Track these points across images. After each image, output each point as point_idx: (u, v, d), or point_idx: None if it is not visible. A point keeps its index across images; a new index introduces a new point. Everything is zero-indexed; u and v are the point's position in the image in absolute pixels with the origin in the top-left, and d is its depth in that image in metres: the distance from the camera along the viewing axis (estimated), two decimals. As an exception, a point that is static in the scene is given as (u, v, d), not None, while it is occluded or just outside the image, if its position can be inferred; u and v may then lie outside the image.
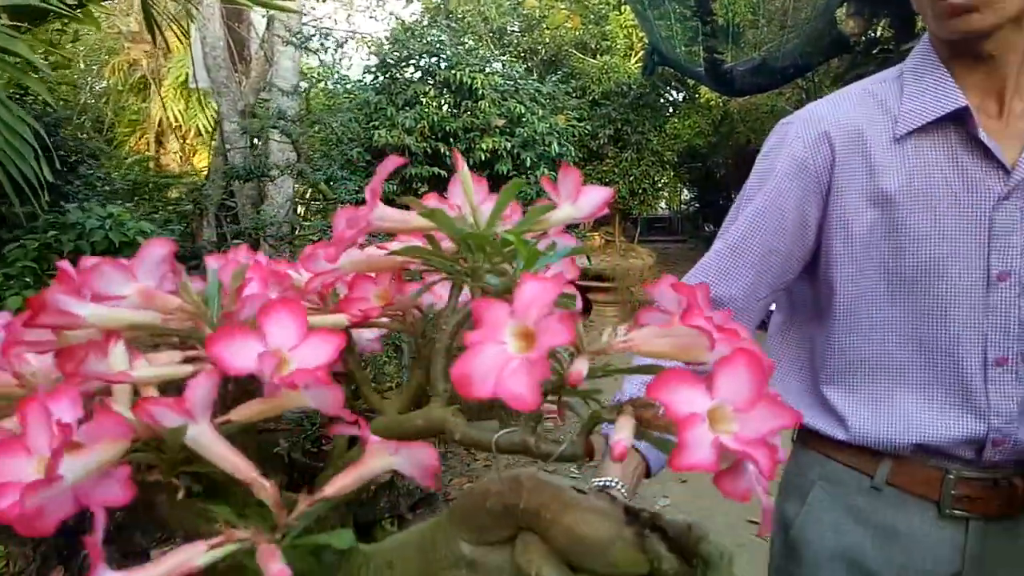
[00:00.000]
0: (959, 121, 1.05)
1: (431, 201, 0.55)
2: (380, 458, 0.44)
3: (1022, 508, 1.08)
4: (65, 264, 0.48)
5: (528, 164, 7.22)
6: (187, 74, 10.14)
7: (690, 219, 15.77)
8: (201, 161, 10.37)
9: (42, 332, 0.46)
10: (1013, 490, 1.06)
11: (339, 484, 0.43)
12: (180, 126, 10.46)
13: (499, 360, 0.35)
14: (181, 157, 10.50)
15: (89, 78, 10.39)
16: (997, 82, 1.05)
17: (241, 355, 0.39)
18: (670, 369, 0.37)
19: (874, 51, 7.48)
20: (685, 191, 16.45)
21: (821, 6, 6.61)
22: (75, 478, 0.36)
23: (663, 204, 16.53)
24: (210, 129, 10.49)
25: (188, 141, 10.61)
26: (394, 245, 0.55)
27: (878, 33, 7.65)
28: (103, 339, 0.45)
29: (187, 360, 0.49)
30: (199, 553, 0.37)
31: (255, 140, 4.11)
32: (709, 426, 0.36)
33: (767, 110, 10.07)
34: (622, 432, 0.40)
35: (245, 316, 0.53)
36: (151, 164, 9.25)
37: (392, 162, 0.55)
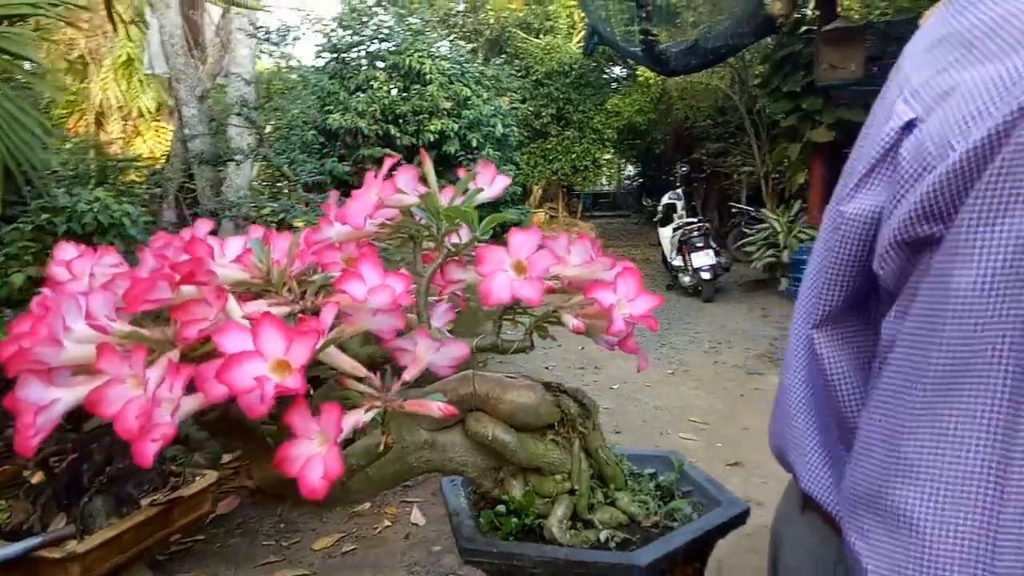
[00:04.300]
0: None
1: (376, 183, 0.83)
2: (427, 355, 0.73)
3: None
4: (203, 237, 0.76)
5: (474, 145, 7.51)
6: (128, 54, 10.04)
7: (633, 194, 16.13)
8: (144, 143, 10.29)
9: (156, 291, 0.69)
10: None
11: (412, 372, 0.72)
12: (122, 107, 10.34)
13: (507, 280, 0.66)
14: (123, 139, 10.40)
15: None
16: None
17: (357, 291, 0.68)
18: (595, 281, 0.68)
19: (800, 31, 7.91)
20: (630, 167, 16.73)
21: (749, -11, 6.98)
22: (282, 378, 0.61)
23: (604, 180, 16.79)
24: (153, 111, 10.42)
25: (130, 123, 10.51)
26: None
27: (805, 13, 8.05)
28: (209, 297, 0.69)
29: (271, 305, 0.77)
30: (361, 414, 0.64)
31: (218, 126, 4.28)
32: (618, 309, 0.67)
33: (703, 88, 10.45)
34: (571, 320, 0.71)
35: (297, 272, 0.81)
36: (94, 148, 9.13)
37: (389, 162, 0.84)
